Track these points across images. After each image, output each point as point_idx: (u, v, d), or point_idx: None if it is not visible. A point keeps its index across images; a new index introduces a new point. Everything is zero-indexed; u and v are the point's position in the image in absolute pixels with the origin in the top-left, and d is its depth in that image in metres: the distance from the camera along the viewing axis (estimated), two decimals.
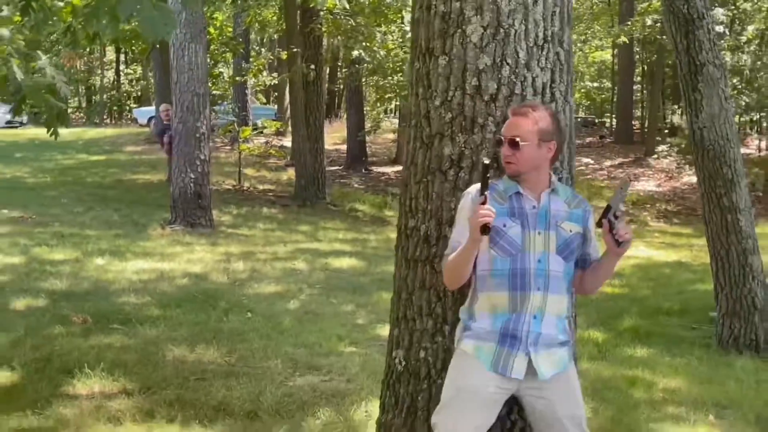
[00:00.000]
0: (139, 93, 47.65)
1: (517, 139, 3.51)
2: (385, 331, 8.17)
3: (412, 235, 4.11)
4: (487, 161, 3.47)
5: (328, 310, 9.13)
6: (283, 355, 7.06)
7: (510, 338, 3.50)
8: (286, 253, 13.14)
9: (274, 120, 28.01)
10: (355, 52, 20.16)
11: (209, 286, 10.07)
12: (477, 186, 3.58)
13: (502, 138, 3.59)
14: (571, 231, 3.58)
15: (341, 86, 34.98)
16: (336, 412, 5.70)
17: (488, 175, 3.44)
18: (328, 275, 11.35)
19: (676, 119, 27.86)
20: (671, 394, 6.71)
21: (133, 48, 32.98)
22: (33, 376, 6.21)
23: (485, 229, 3.34)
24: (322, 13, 19.95)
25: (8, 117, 36.59)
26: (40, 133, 33.75)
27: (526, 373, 3.48)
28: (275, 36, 34.53)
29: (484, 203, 3.36)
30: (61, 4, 6.28)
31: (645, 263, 14.27)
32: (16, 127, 36.48)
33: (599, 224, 3.56)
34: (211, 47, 24.88)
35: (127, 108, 46.21)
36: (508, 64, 3.88)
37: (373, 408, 5.10)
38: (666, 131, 31.28)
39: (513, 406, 3.77)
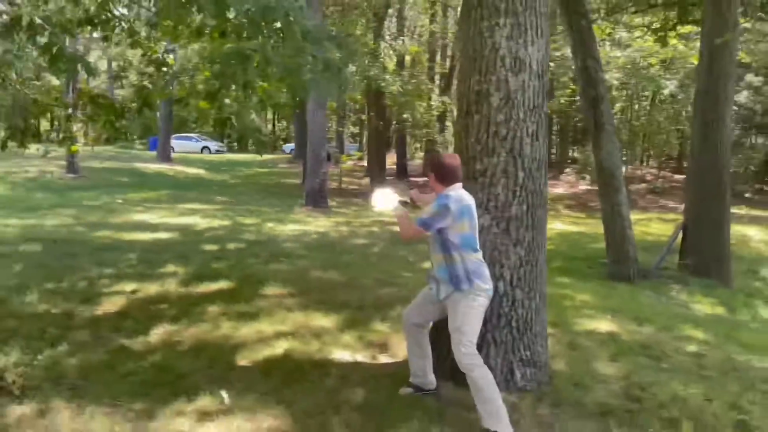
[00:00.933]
0: (284, 136, 47.71)
1: None
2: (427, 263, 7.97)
3: None
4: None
5: (394, 254, 8.93)
6: (373, 277, 6.91)
7: (430, 277, 3.41)
8: (368, 222, 12.97)
9: (359, 152, 27.98)
10: (405, 115, 19.94)
11: (329, 239, 9.95)
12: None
13: None
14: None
15: (395, 134, 34.57)
16: (404, 307, 5.60)
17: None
18: (392, 235, 11.12)
19: (576, 154, 27.49)
20: (585, 304, 6.54)
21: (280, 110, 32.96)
22: (242, 284, 6.19)
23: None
24: (386, 93, 19.80)
25: (217, 148, 37.26)
26: (233, 156, 34.13)
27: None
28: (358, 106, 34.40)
29: None
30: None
31: (562, 232, 13.98)
32: (222, 153, 36.81)
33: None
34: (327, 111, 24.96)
35: (280, 144, 46.31)
36: (513, 119, 3.77)
37: None
38: (569, 161, 30.76)
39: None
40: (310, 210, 14.13)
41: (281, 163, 29.71)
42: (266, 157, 35.55)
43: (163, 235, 9.10)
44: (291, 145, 34.21)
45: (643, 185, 23.92)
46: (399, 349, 4.35)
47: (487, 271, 3.30)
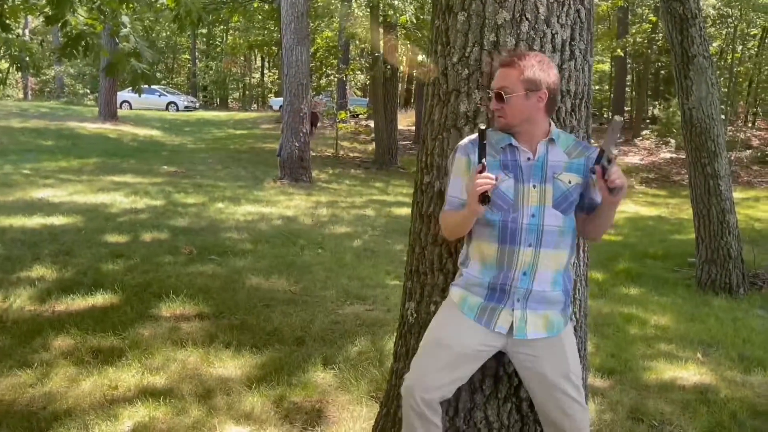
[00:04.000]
0: (276, 89, 46.84)
1: (503, 90, 2.31)
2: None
3: (427, 191, 2.87)
4: (483, 126, 2.26)
5: (383, 249, 7.97)
6: (338, 286, 5.95)
7: (499, 292, 2.35)
8: (361, 203, 11.97)
9: (369, 108, 27.00)
10: (420, 57, 18.61)
11: (296, 226, 8.97)
12: (469, 139, 2.42)
13: (490, 91, 2.38)
14: (570, 182, 2.36)
15: (414, 84, 33.32)
16: (371, 341, 4.51)
17: (484, 140, 2.24)
18: (388, 220, 10.14)
19: (656, 112, 26.15)
20: (662, 331, 5.36)
21: (265, 53, 32.09)
22: (130, 298, 5.19)
23: (485, 198, 2.19)
24: (397, 27, 18.56)
25: (186, 103, 36.44)
26: (207, 114, 33.54)
27: (515, 330, 2.34)
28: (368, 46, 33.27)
29: (482, 171, 2.20)
30: None
31: (633, 217, 12.67)
32: (191, 110, 35.94)
33: (592, 170, 2.31)
34: (319, 53, 23.82)
35: (268, 99, 45.41)
36: (527, 19, 2.64)
37: None
38: (647, 120, 29.24)
39: (502, 360, 2.61)
40: (286, 184, 13.15)
41: (265, 123, 28.78)
42: (250, 115, 34.84)
43: (57, 220, 8.14)
44: (280, 100, 33.22)
45: (748, 152, 22.37)
46: (343, 421, 3.27)
47: None
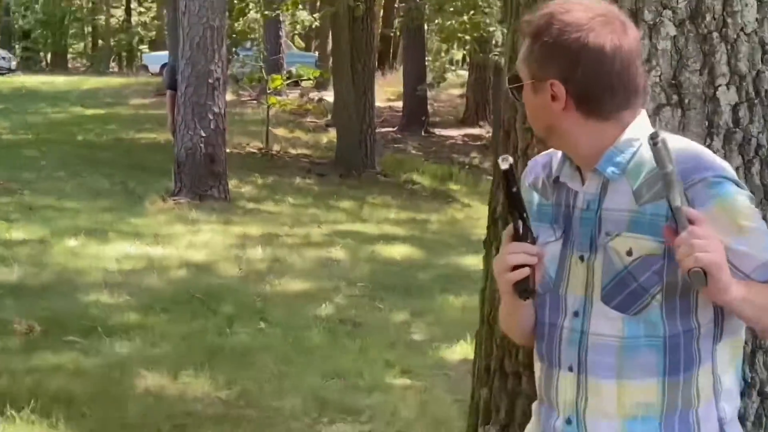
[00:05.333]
0: (153, 36, 47.19)
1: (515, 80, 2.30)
2: (453, 354, 6.81)
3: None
4: (507, 163, 2.14)
5: (372, 320, 8.09)
6: (305, 391, 6.02)
7: None
8: (320, 237, 12.14)
9: (314, 68, 27.24)
10: None
11: (213, 281, 9.10)
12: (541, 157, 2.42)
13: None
14: (631, 254, 2.13)
15: (397, 31, 34.05)
16: None
17: (514, 187, 2.16)
18: (374, 269, 10.27)
19: None
20: None
21: None
22: None
23: (524, 290, 2.13)
24: None
25: None
26: (31, 80, 33.64)
27: None
28: None
29: (518, 237, 2.13)
30: None
31: None
32: (4, 73, 35.96)
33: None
34: None
35: (138, 54, 45.73)
36: None
37: None
38: None
39: None
40: (185, 203, 13.27)
41: (137, 96, 29.02)
42: (109, 81, 34.94)
43: None
44: (161, 55, 33.34)
45: None
46: None
47: None
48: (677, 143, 2.10)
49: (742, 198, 2.10)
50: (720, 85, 2.61)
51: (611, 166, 2.13)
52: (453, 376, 6.31)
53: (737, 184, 2.11)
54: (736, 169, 2.63)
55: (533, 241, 2.11)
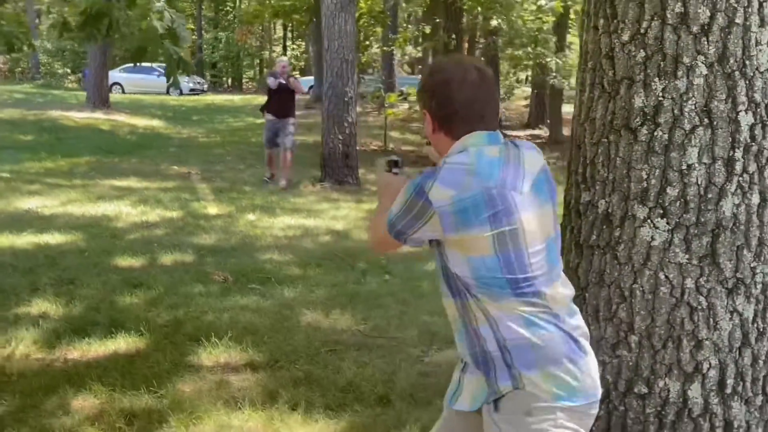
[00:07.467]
0: (302, 65, 47.21)
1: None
2: None
3: (587, 214, 2.75)
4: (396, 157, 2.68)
5: None
6: (420, 325, 5.82)
7: None
8: None
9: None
10: (494, 22, 18.54)
11: (350, 244, 8.90)
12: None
13: None
14: None
15: (479, 58, 33.35)
16: None
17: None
18: None
19: None
20: None
21: (293, 21, 32.43)
22: (160, 342, 5.17)
23: None
24: None
25: (192, 86, 36.94)
26: (218, 98, 33.80)
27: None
28: (420, 12, 33.29)
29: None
30: None
31: None
32: (198, 94, 36.43)
33: None
34: (361, 20, 23.91)
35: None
36: None
37: None
38: None
39: None
40: (328, 188, 13.18)
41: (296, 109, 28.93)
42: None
43: (52, 238, 8.22)
44: (309, 79, 33.34)
45: None
46: None
47: (568, 346, 2.15)
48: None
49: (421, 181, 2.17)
50: (740, 111, 2.50)
51: None
52: None
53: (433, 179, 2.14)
54: (753, 173, 2.55)
55: None
